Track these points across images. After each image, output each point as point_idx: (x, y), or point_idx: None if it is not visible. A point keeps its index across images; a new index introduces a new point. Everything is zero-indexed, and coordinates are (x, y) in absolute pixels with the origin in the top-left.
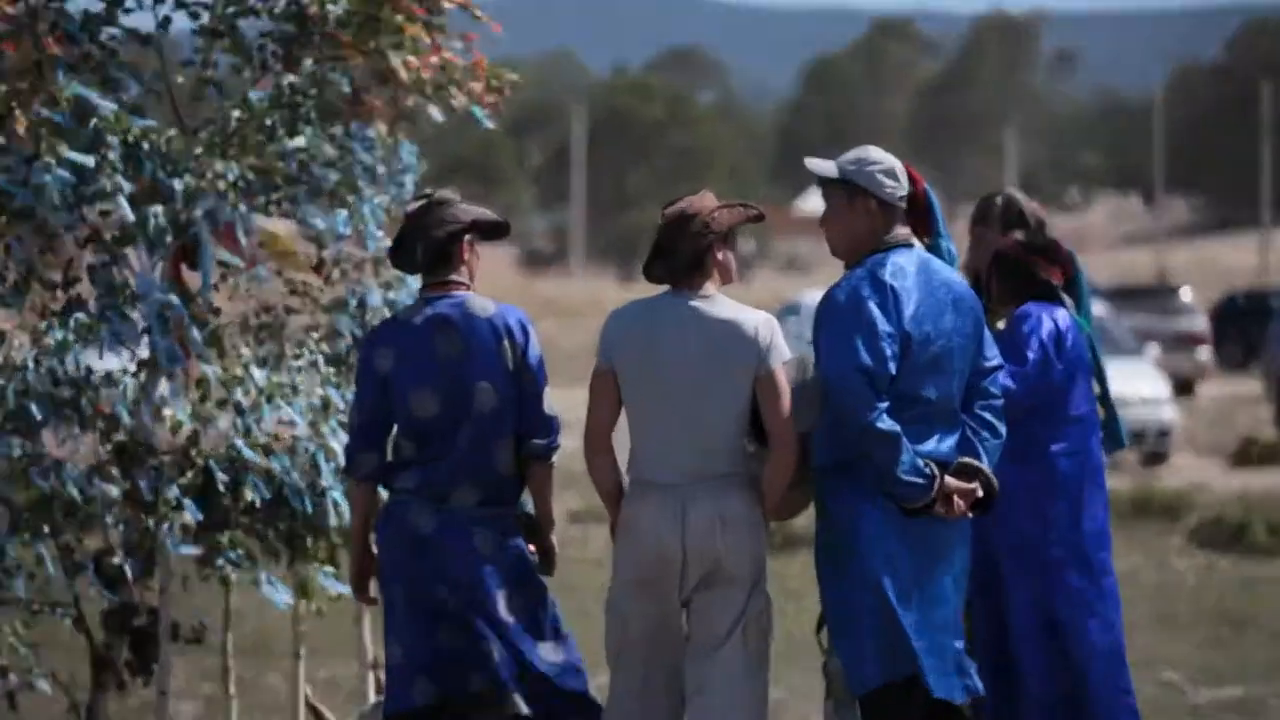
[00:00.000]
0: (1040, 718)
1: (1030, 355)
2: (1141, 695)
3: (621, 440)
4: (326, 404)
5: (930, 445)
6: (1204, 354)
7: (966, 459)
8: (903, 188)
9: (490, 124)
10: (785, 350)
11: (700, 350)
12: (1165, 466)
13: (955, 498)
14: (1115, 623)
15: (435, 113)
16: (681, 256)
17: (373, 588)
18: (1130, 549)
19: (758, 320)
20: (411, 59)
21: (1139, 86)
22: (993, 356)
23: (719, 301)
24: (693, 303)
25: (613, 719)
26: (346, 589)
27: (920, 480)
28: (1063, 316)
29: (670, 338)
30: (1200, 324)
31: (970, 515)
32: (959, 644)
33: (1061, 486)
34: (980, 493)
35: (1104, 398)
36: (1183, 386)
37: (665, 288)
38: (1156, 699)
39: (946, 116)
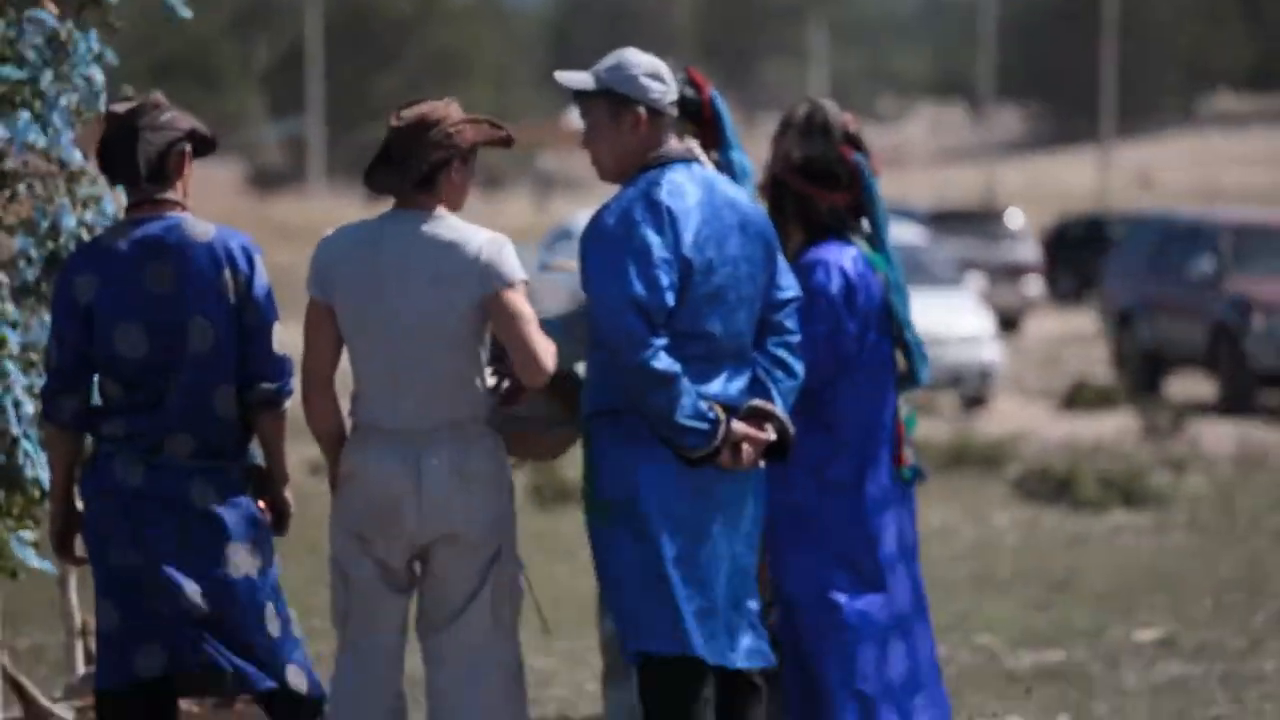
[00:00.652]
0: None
1: (820, 327)
2: (956, 660)
3: (344, 381)
4: (2, 342)
5: (716, 386)
6: (1033, 286)
7: (757, 402)
8: (672, 91)
9: (186, 12)
10: (517, 269)
11: (425, 279)
12: (987, 411)
13: (744, 445)
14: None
15: None
16: (412, 168)
17: (78, 546)
18: (946, 502)
19: (481, 240)
20: None
21: None
22: (788, 287)
23: (446, 223)
24: (420, 226)
25: (338, 687)
26: (45, 564)
27: (703, 425)
28: (852, 258)
29: (392, 265)
30: (1030, 252)
31: (762, 464)
32: (752, 604)
33: (842, 446)
34: (772, 437)
35: (902, 340)
36: (1008, 322)
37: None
38: (972, 664)
39: (742, 15)
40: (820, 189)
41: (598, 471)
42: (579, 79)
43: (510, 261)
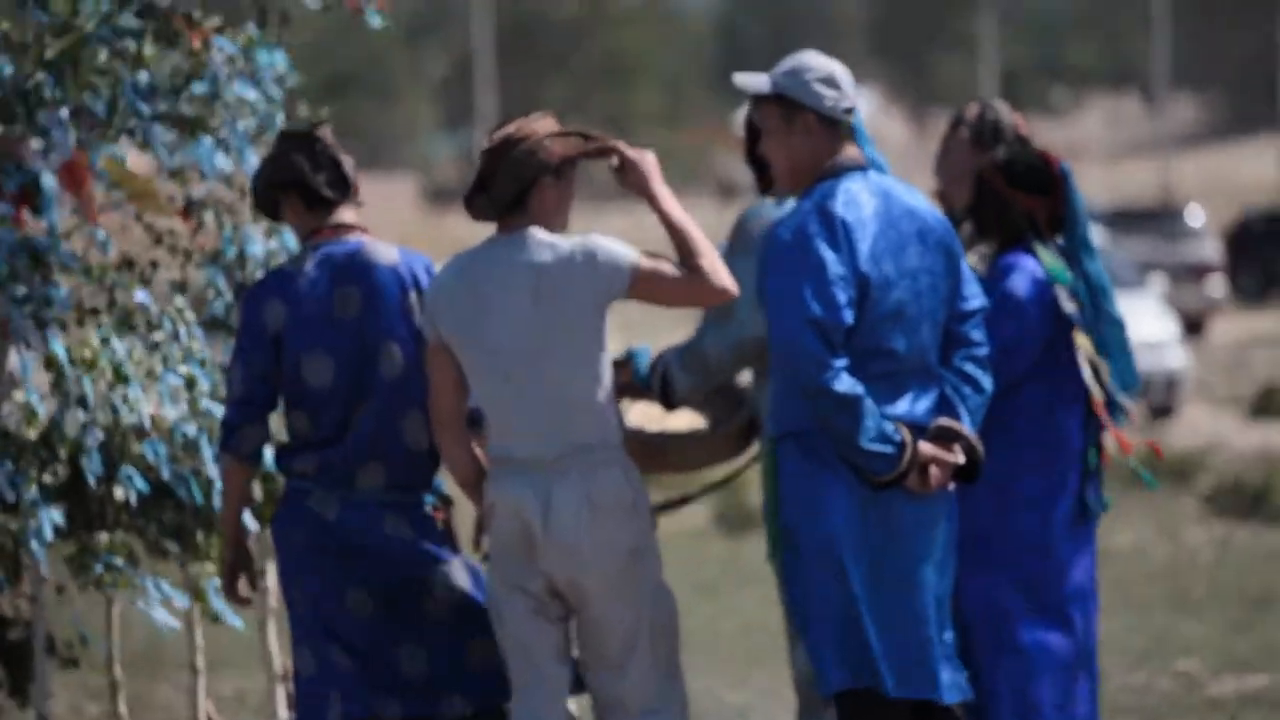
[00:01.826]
0: None
1: (1008, 331)
2: (1155, 688)
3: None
4: (192, 383)
5: (901, 407)
6: (1217, 286)
7: (945, 421)
8: (847, 98)
9: (380, 22)
10: (624, 250)
11: (527, 303)
12: (1174, 421)
13: (932, 468)
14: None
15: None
16: (502, 189)
17: (243, 586)
18: (1136, 519)
19: (574, 246)
20: None
21: None
22: (973, 296)
23: (539, 243)
24: (513, 249)
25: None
26: (238, 620)
27: (889, 449)
28: (1040, 271)
29: (491, 294)
30: (1212, 251)
31: (951, 486)
32: (946, 636)
33: (1031, 466)
34: (961, 458)
35: (1111, 351)
36: (1192, 325)
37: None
38: (1171, 692)
39: (911, 8)
40: (1020, 192)
41: (783, 497)
42: (755, 82)
43: (614, 247)
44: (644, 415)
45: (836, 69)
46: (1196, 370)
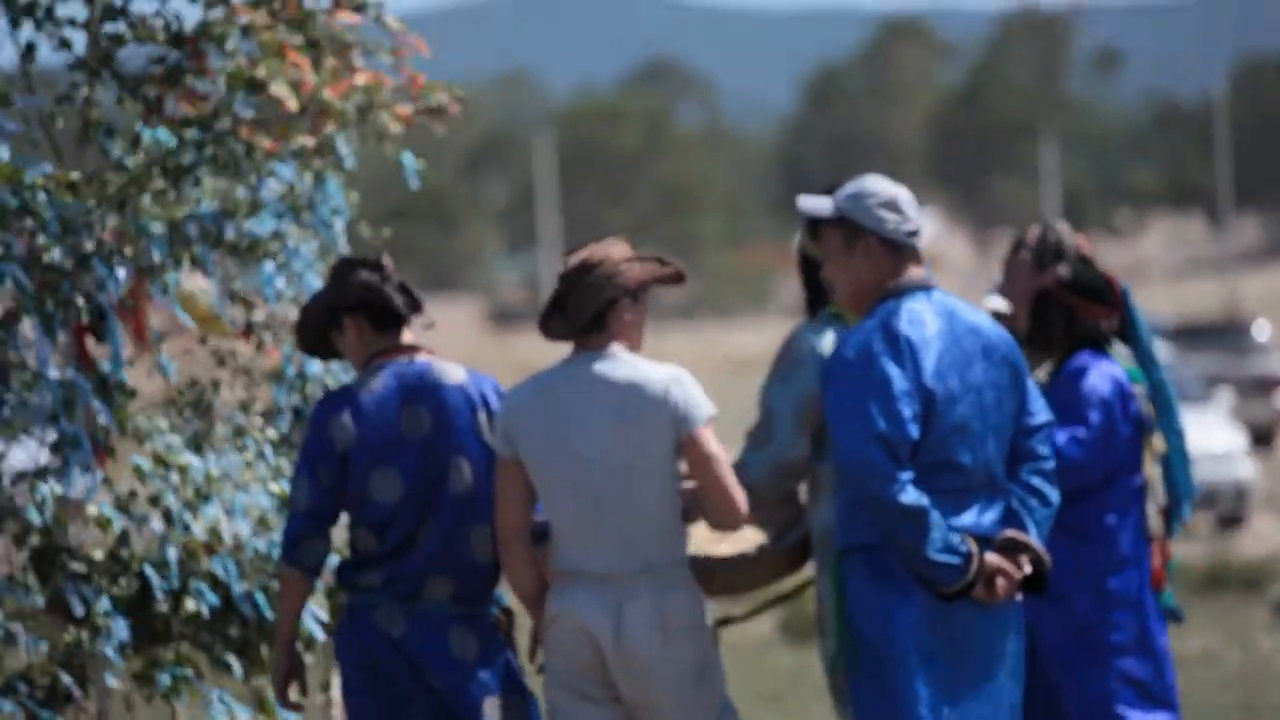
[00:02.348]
0: None
1: (1093, 417)
2: None
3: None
4: (279, 498)
5: (969, 519)
6: None
7: (1011, 532)
8: (909, 221)
9: (417, 180)
10: (706, 406)
11: (608, 420)
12: (1244, 531)
13: (999, 579)
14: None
15: (341, 145)
16: (580, 312)
17: (293, 692)
18: (1208, 627)
19: (665, 378)
20: (310, 79)
21: (1196, 87)
22: (1038, 411)
23: (622, 362)
24: (595, 367)
25: None
26: None
27: (955, 560)
28: (1118, 370)
29: (573, 411)
30: (1278, 364)
31: (1019, 597)
32: None
33: (1122, 562)
34: (1028, 569)
35: (1171, 458)
36: (1261, 437)
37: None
38: None
39: (971, 132)
40: (1088, 302)
41: (850, 611)
42: (818, 204)
43: (699, 399)
44: (701, 537)
45: (900, 193)
46: (1265, 481)
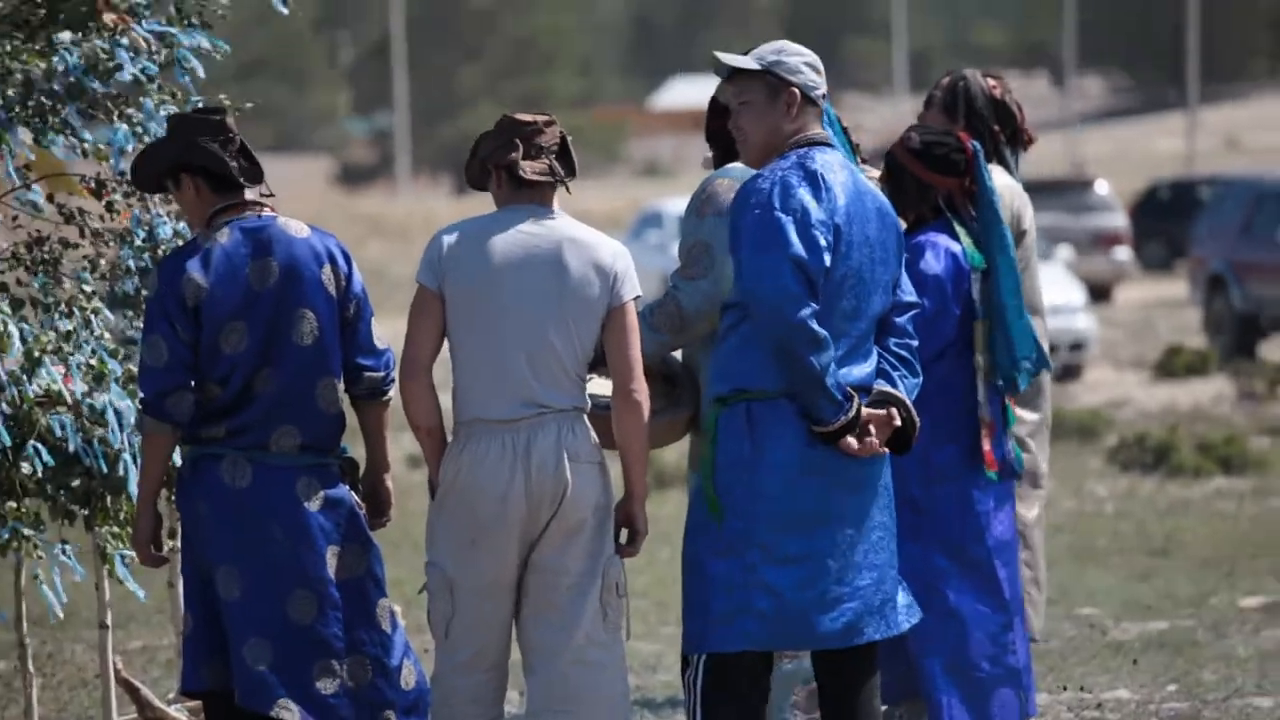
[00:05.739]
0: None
1: (926, 302)
2: (1060, 633)
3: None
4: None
5: (844, 369)
6: (1123, 254)
7: (886, 387)
8: (822, 86)
9: (285, 8)
10: (637, 285)
11: (548, 274)
12: (1081, 382)
13: (871, 429)
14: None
15: None
16: (560, 164)
17: (155, 549)
18: None
19: (615, 248)
20: None
21: None
22: (910, 292)
23: (571, 222)
24: (546, 221)
25: (438, 696)
26: (140, 591)
27: (840, 397)
28: (957, 248)
29: (514, 257)
30: (1119, 221)
31: (886, 452)
32: (892, 572)
33: (947, 437)
34: (899, 422)
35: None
36: (1100, 292)
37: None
38: (1076, 637)
39: None
40: (937, 175)
41: (716, 462)
42: (742, 59)
43: (634, 277)
44: (599, 387)
45: (816, 59)
46: (1103, 334)
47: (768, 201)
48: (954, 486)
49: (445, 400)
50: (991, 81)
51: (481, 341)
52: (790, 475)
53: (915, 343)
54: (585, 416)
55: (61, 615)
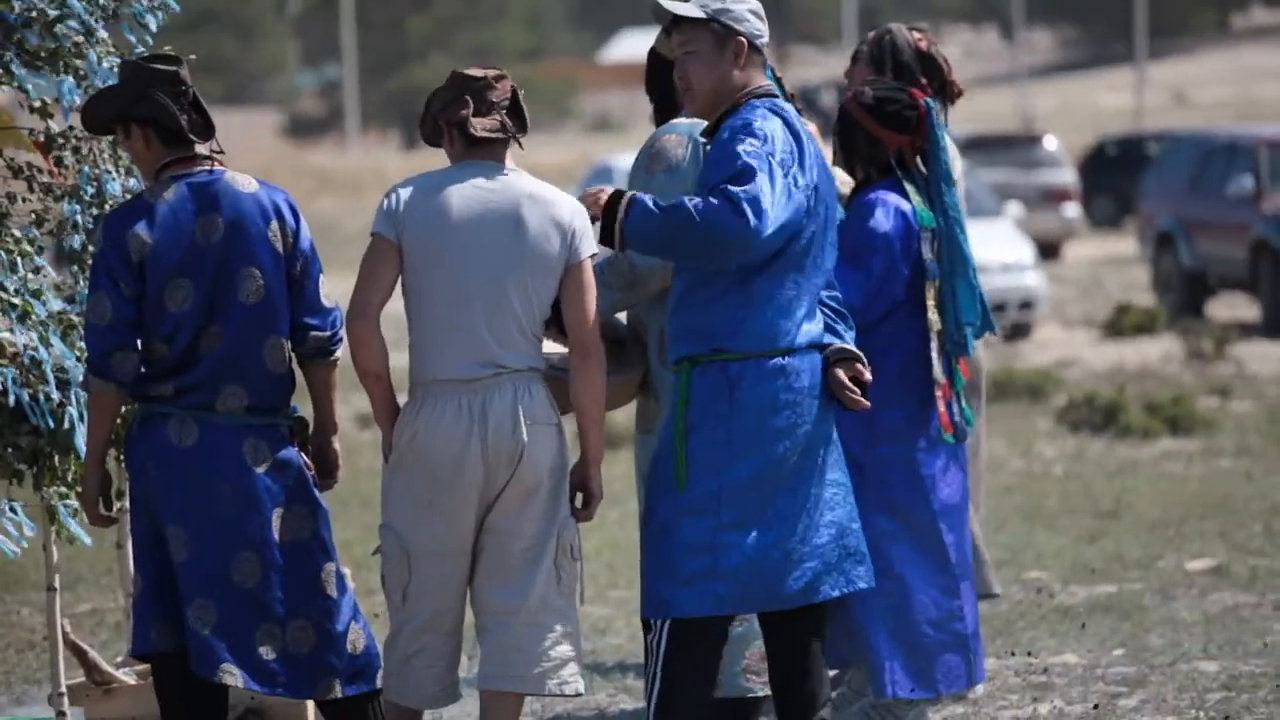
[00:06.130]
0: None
1: (875, 262)
2: (1008, 596)
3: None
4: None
5: (805, 326)
6: (1072, 211)
7: (840, 344)
8: (767, 34)
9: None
10: (594, 242)
11: (507, 229)
12: (1029, 340)
13: (846, 391)
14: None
15: None
16: (513, 121)
17: (103, 508)
18: (992, 435)
19: (573, 205)
20: None
21: None
22: (836, 245)
23: (529, 178)
24: (505, 176)
25: (393, 660)
26: (88, 540)
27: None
28: (907, 206)
29: (473, 210)
30: (1067, 177)
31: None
32: (854, 526)
33: (893, 398)
34: (868, 375)
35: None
36: (1048, 249)
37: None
38: (1024, 600)
39: None
40: (889, 131)
41: (689, 421)
42: (686, 7)
43: (591, 234)
44: (549, 348)
45: (758, 5)
46: (1052, 292)
47: (737, 135)
48: (899, 447)
49: (399, 360)
50: (918, 34)
51: (439, 299)
52: (764, 435)
53: (839, 297)
54: (543, 381)
55: (18, 550)
